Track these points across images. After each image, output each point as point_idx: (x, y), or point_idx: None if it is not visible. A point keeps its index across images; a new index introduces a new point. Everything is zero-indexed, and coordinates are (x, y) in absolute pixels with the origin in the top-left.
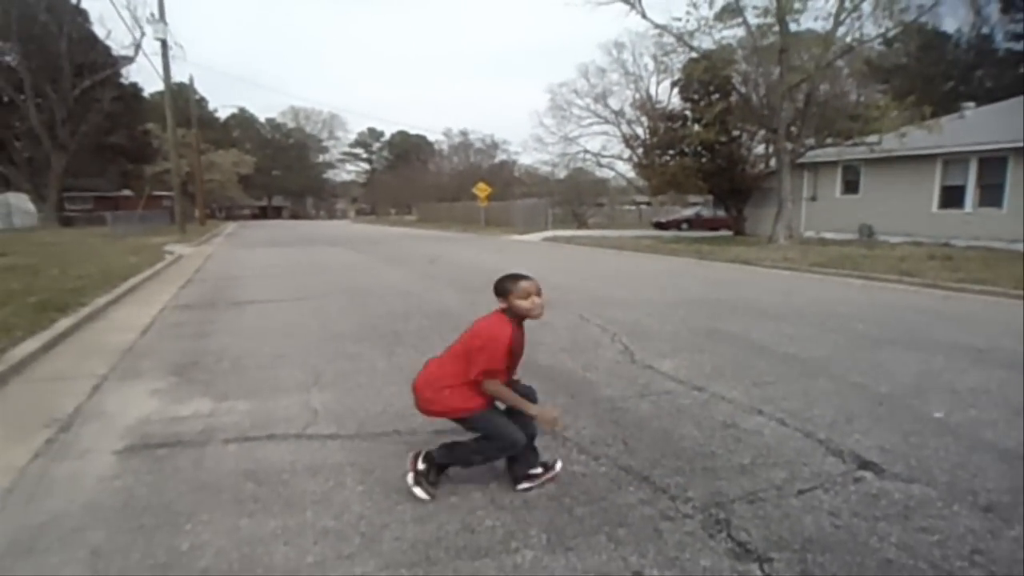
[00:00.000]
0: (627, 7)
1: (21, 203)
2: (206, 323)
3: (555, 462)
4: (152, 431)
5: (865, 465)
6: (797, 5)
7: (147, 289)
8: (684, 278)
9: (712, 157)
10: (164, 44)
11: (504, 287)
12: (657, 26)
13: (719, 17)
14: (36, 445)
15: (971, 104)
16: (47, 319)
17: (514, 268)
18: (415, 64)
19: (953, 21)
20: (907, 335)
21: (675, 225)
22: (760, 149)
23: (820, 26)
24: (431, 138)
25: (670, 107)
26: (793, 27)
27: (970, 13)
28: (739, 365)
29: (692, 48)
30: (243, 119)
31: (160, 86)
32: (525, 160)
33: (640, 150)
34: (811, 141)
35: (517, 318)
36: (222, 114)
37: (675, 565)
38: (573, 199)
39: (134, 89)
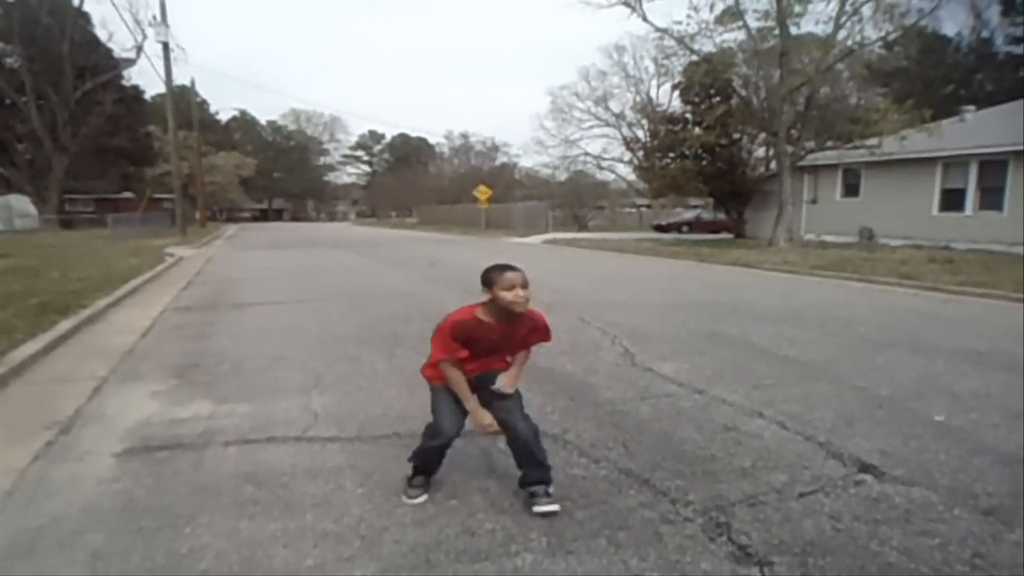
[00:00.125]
0: (628, 10)
1: (22, 205)
2: (206, 325)
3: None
4: (152, 433)
5: (866, 468)
6: (797, 9)
7: (147, 291)
8: (684, 281)
9: (712, 160)
10: (166, 47)
11: (489, 277)
12: (658, 29)
13: (720, 20)
14: (36, 447)
15: (971, 107)
16: (48, 321)
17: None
18: (416, 67)
19: (953, 25)
20: (908, 338)
21: (675, 228)
22: (760, 152)
23: (820, 30)
24: (432, 140)
25: (671, 110)
26: (793, 30)
27: (970, 17)
28: (739, 368)
29: (693, 51)
30: (244, 121)
31: (162, 88)
32: (526, 163)
33: (640, 153)
34: (811, 144)
35: (501, 310)
36: (223, 116)
37: (675, 569)
38: (573, 202)
39: (136, 91)
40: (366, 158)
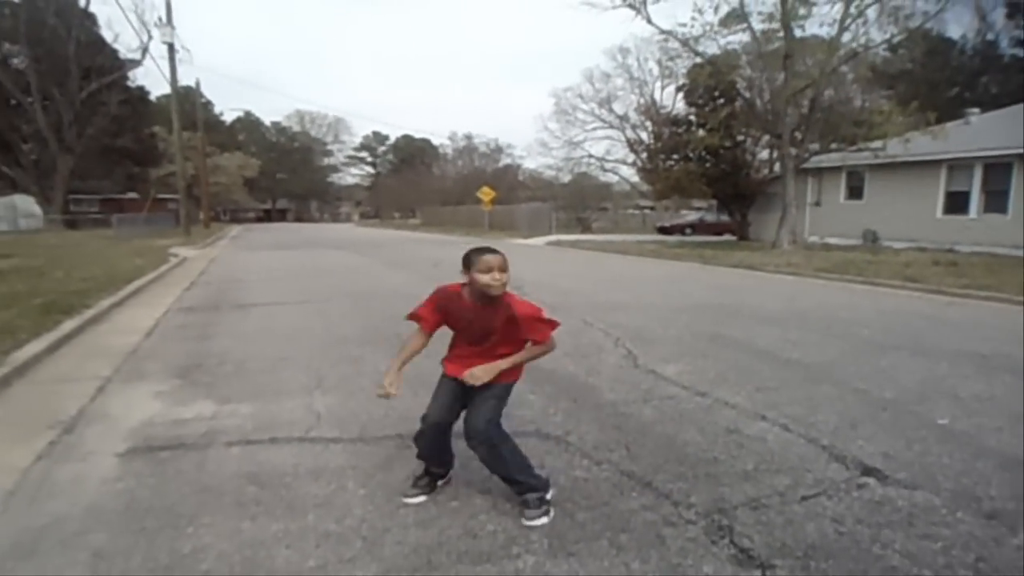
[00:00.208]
0: (633, 12)
1: (27, 205)
2: (210, 326)
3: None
4: (155, 433)
5: (869, 471)
6: (802, 11)
7: (151, 292)
8: (687, 283)
9: (716, 162)
10: (171, 48)
11: (468, 259)
12: (662, 31)
13: (724, 23)
14: (39, 447)
15: (976, 110)
16: (52, 321)
17: (516, 272)
18: (420, 68)
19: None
20: (911, 341)
21: (679, 230)
22: (764, 154)
23: (825, 32)
24: (436, 142)
25: (674, 112)
26: (798, 33)
27: (975, 19)
28: (742, 370)
29: (697, 53)
30: (248, 122)
31: (166, 89)
32: (529, 164)
33: (644, 155)
34: (815, 146)
35: (478, 292)
36: (228, 117)
37: (677, 571)
38: (577, 203)
39: (141, 92)
40: (370, 159)
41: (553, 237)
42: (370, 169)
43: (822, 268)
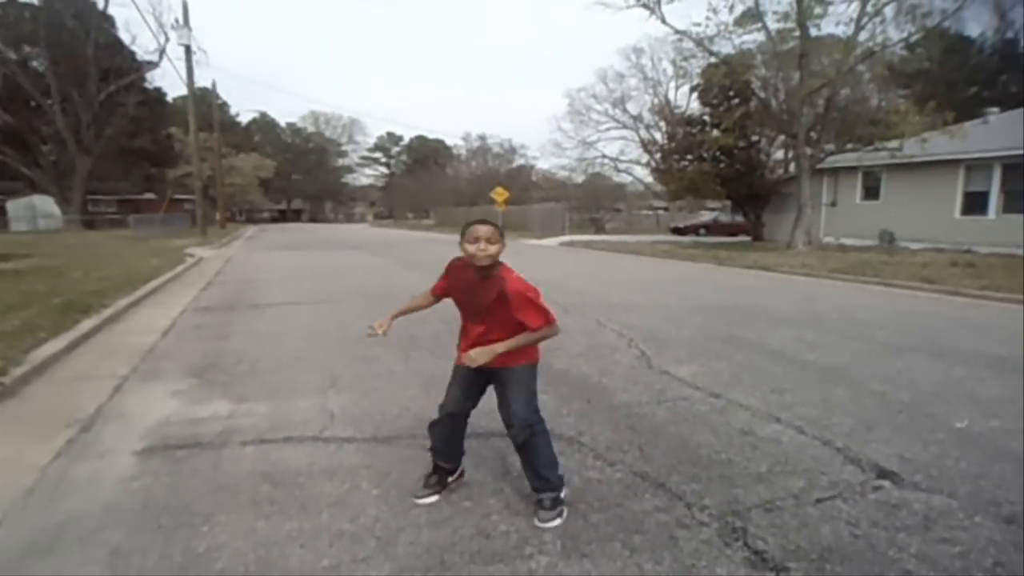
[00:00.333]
0: (647, 12)
1: (46, 205)
2: (225, 325)
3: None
4: (171, 432)
5: (884, 474)
6: (818, 10)
7: (168, 291)
8: (701, 284)
9: (730, 162)
10: (188, 49)
11: (462, 230)
12: (677, 31)
13: (739, 22)
14: (58, 445)
15: (995, 109)
16: (70, 320)
17: (530, 272)
18: (434, 69)
19: (977, 25)
20: (928, 343)
21: (693, 230)
22: (779, 154)
23: (841, 31)
24: (449, 142)
25: (689, 112)
26: (814, 32)
27: (994, 17)
28: (756, 372)
29: (712, 53)
30: (264, 123)
31: (183, 91)
32: (543, 165)
33: (658, 155)
34: (831, 146)
35: (473, 265)
36: (243, 118)
37: (691, 573)
38: (591, 204)
39: (158, 94)
40: (384, 160)
41: (566, 238)
42: (384, 170)
43: (837, 269)
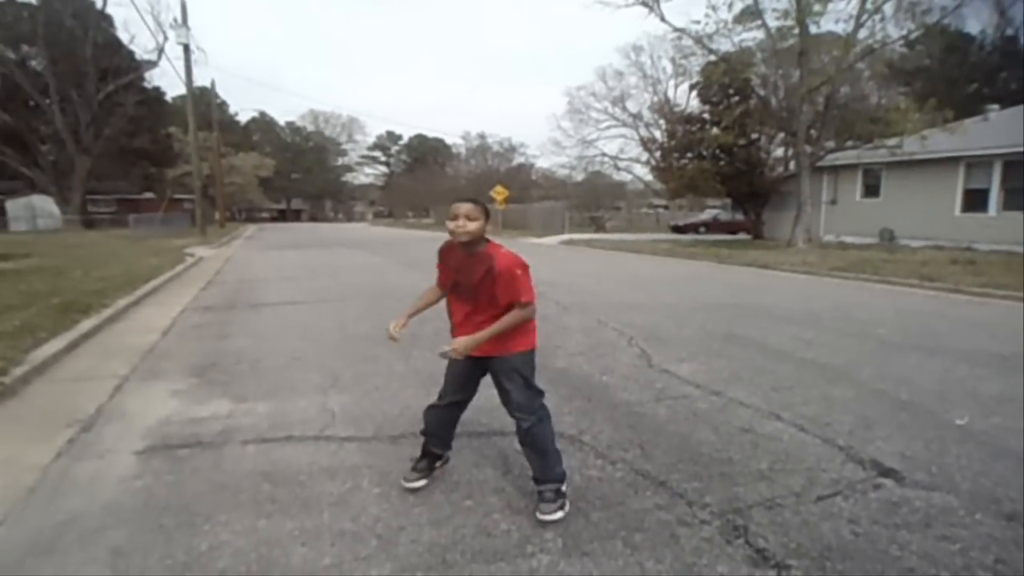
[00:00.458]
0: (646, 10)
1: (45, 205)
2: (225, 325)
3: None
4: (172, 432)
5: (885, 472)
6: (817, 7)
7: (168, 291)
8: (702, 282)
9: (730, 160)
10: (187, 49)
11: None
12: (676, 29)
13: (738, 20)
14: (58, 444)
15: (995, 106)
16: (70, 320)
17: (531, 271)
18: (434, 68)
19: (977, 22)
20: (929, 341)
21: (693, 229)
22: (779, 152)
23: (841, 28)
24: (449, 141)
25: (688, 110)
26: (813, 29)
27: (994, 14)
28: (757, 370)
29: (711, 51)
30: (263, 123)
31: (182, 90)
32: (543, 163)
33: (658, 153)
34: (831, 144)
35: (459, 243)
36: (243, 118)
37: (692, 571)
38: (590, 202)
39: (157, 93)
40: (383, 159)
41: (566, 236)
42: (384, 168)
43: (838, 267)
